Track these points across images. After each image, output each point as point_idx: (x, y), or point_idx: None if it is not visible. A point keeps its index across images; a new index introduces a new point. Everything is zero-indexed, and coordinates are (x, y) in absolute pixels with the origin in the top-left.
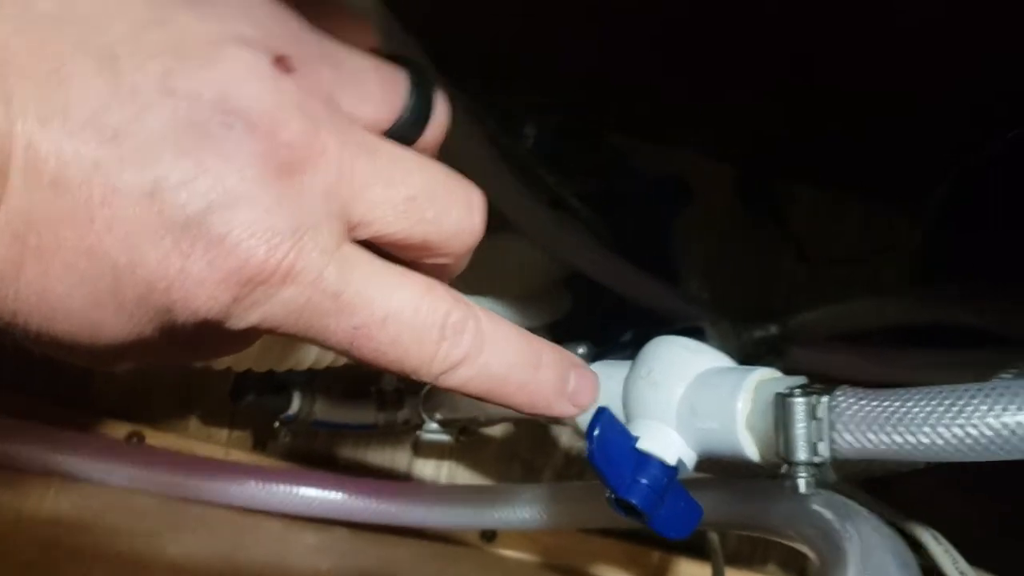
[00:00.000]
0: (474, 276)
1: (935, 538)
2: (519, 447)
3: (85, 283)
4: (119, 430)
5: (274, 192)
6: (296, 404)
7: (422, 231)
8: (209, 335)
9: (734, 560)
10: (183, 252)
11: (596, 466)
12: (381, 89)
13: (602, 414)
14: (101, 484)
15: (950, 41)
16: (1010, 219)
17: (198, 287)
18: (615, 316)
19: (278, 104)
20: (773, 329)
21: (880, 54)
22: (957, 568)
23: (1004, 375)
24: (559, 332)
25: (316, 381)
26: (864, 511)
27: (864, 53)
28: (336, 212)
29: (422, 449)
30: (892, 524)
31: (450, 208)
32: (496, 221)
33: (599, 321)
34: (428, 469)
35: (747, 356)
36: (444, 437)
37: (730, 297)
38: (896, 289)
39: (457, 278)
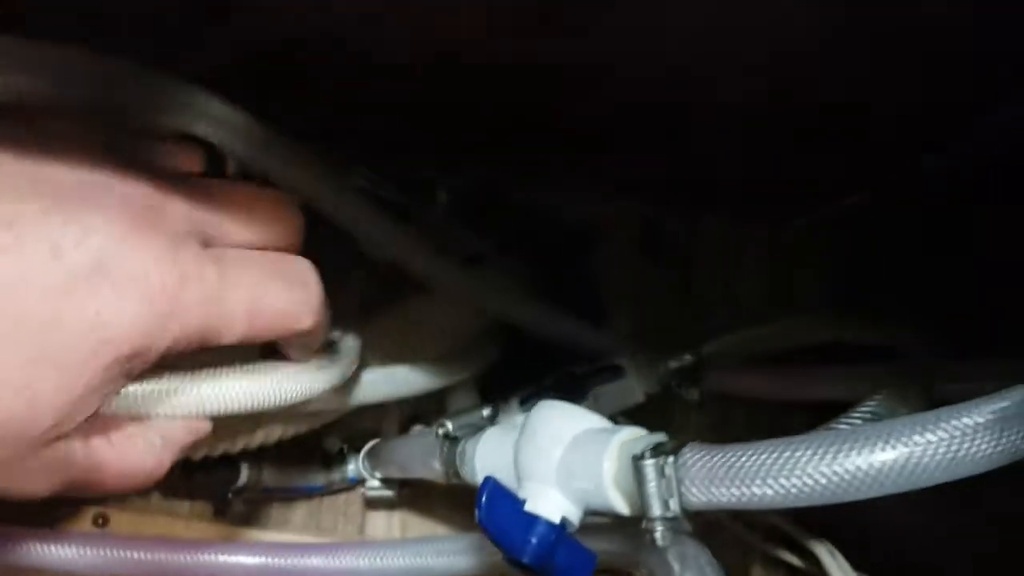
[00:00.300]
0: (401, 339)
1: (831, 553)
2: (464, 492)
3: (18, 348)
4: (84, 512)
5: (147, 228)
6: (244, 475)
7: (264, 233)
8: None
9: None
10: (95, 295)
11: (486, 530)
12: (186, 162)
13: (488, 482)
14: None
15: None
16: (900, 248)
17: (118, 317)
18: (540, 359)
19: (125, 172)
20: (688, 358)
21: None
22: None
23: (875, 397)
24: (488, 380)
25: (263, 451)
26: (704, 565)
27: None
28: (195, 232)
29: (373, 503)
30: (793, 540)
31: (273, 211)
32: (414, 284)
33: (526, 365)
34: (380, 520)
35: (666, 386)
36: (387, 492)
37: (646, 331)
38: (796, 314)
39: (383, 344)
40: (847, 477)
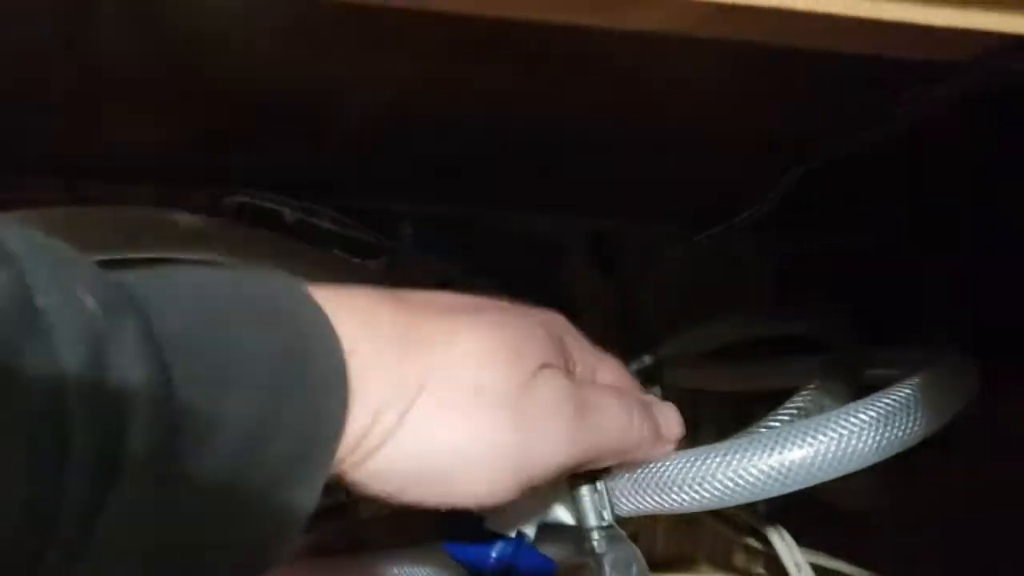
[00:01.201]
0: None
1: (781, 536)
2: None
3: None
4: None
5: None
6: None
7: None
8: None
9: (667, 566)
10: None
11: (449, 551)
12: None
13: None
14: None
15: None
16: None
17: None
18: None
19: None
20: (647, 360)
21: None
22: (793, 559)
23: (805, 390)
24: None
25: None
26: (634, 570)
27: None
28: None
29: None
30: (748, 525)
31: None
32: None
33: None
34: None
35: None
36: (383, 510)
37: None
38: (734, 314)
39: None
40: (752, 480)
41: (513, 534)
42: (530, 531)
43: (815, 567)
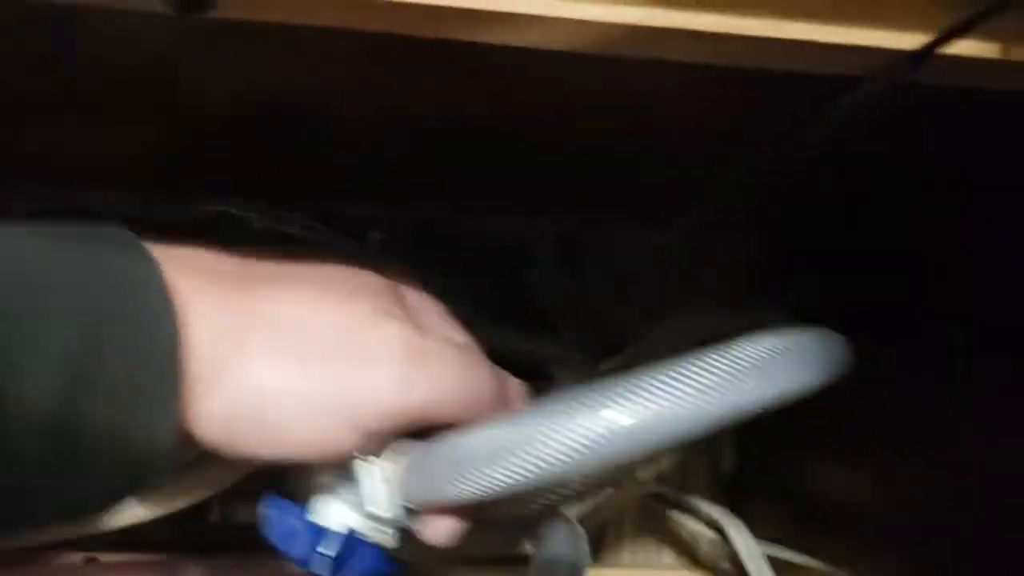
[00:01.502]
0: None
1: (737, 527)
2: None
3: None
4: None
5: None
6: (215, 511)
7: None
8: None
9: (633, 558)
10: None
11: (274, 544)
12: None
13: (270, 498)
14: None
15: None
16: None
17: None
18: None
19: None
20: (617, 361)
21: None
22: (751, 552)
23: None
24: None
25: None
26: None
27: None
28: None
29: None
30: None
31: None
32: None
33: None
34: None
35: None
36: None
37: (577, 338)
38: (690, 313)
39: None
40: (552, 454)
41: (342, 528)
42: (358, 524)
43: (776, 560)
